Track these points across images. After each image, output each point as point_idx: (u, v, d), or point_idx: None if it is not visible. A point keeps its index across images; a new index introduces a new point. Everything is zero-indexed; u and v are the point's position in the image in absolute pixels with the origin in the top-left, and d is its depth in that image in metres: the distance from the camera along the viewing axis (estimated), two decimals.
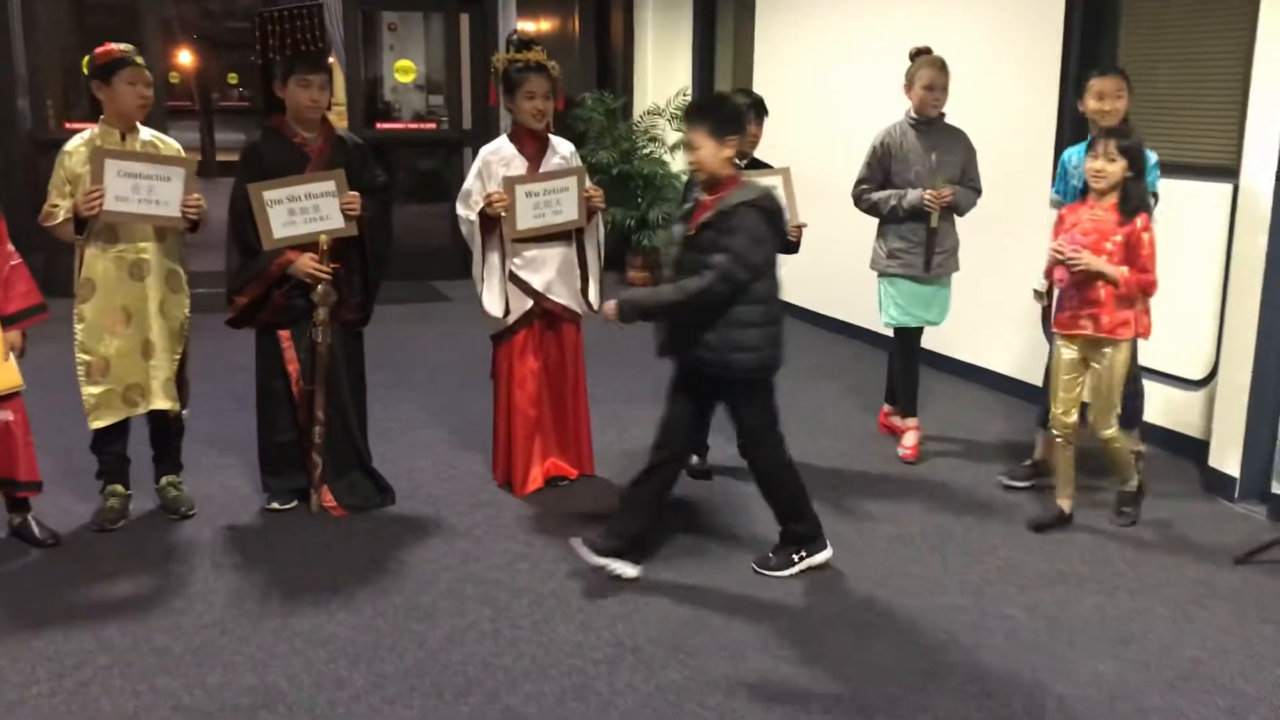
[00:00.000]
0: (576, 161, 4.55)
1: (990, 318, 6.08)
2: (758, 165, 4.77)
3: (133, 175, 3.94)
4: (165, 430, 4.34)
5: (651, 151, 9.55)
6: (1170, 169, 5.18)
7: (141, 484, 4.38)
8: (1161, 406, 5.21)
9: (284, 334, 4.23)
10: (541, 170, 4.43)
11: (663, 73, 9.93)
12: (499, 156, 4.42)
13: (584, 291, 4.55)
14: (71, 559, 3.95)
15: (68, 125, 8.53)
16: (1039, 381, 4.93)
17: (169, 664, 3.24)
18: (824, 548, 3.89)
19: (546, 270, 4.46)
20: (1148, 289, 4.08)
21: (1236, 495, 4.58)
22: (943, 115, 4.99)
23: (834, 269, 6.89)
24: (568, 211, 4.37)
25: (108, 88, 4.00)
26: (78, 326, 4.07)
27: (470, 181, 4.44)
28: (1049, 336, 4.53)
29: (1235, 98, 4.86)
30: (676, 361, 3.77)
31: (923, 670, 3.27)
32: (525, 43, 4.43)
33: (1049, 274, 4.29)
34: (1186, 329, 5.08)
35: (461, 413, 5.66)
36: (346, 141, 4.30)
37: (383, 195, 4.33)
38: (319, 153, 4.17)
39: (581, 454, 4.75)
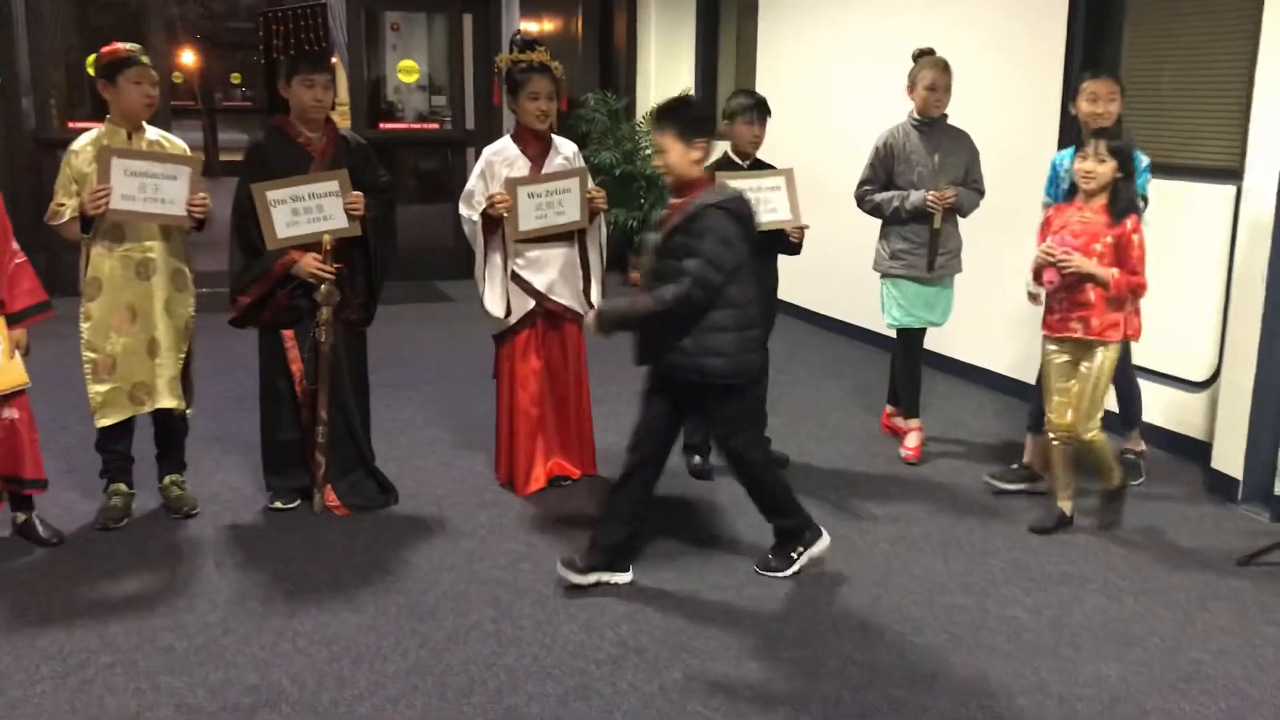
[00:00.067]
0: (579, 162, 4.55)
1: (993, 319, 6.08)
2: (760, 166, 4.78)
3: (139, 174, 3.95)
4: (170, 429, 4.35)
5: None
6: (1174, 171, 5.19)
7: (145, 483, 4.39)
8: (1164, 408, 5.21)
9: (287, 334, 4.23)
10: (544, 170, 4.43)
11: (665, 73, 9.93)
12: (502, 157, 4.42)
13: (586, 292, 4.56)
14: (75, 558, 3.95)
15: (71, 125, 8.55)
16: None
17: (172, 662, 3.24)
18: (819, 535, 3.87)
19: (549, 270, 4.46)
20: (1137, 291, 4.06)
21: (1239, 497, 4.58)
22: (945, 116, 4.99)
23: (837, 270, 6.90)
24: (570, 212, 4.37)
25: (113, 87, 4.01)
26: (84, 325, 4.08)
27: (473, 182, 4.44)
28: None
29: (1239, 100, 4.86)
30: (651, 367, 3.73)
31: (925, 671, 3.27)
32: (528, 43, 4.44)
33: (1037, 275, 4.22)
34: (1189, 330, 5.08)
35: (464, 412, 5.66)
36: (350, 141, 4.30)
37: (386, 195, 4.34)
38: (322, 153, 4.18)
39: (584, 453, 4.75)
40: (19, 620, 3.49)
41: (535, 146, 4.46)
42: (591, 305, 4.55)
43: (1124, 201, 4.03)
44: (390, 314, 5.01)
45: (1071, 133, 5.53)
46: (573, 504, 4.49)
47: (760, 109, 4.70)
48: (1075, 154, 4.13)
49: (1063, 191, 4.47)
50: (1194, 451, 5.00)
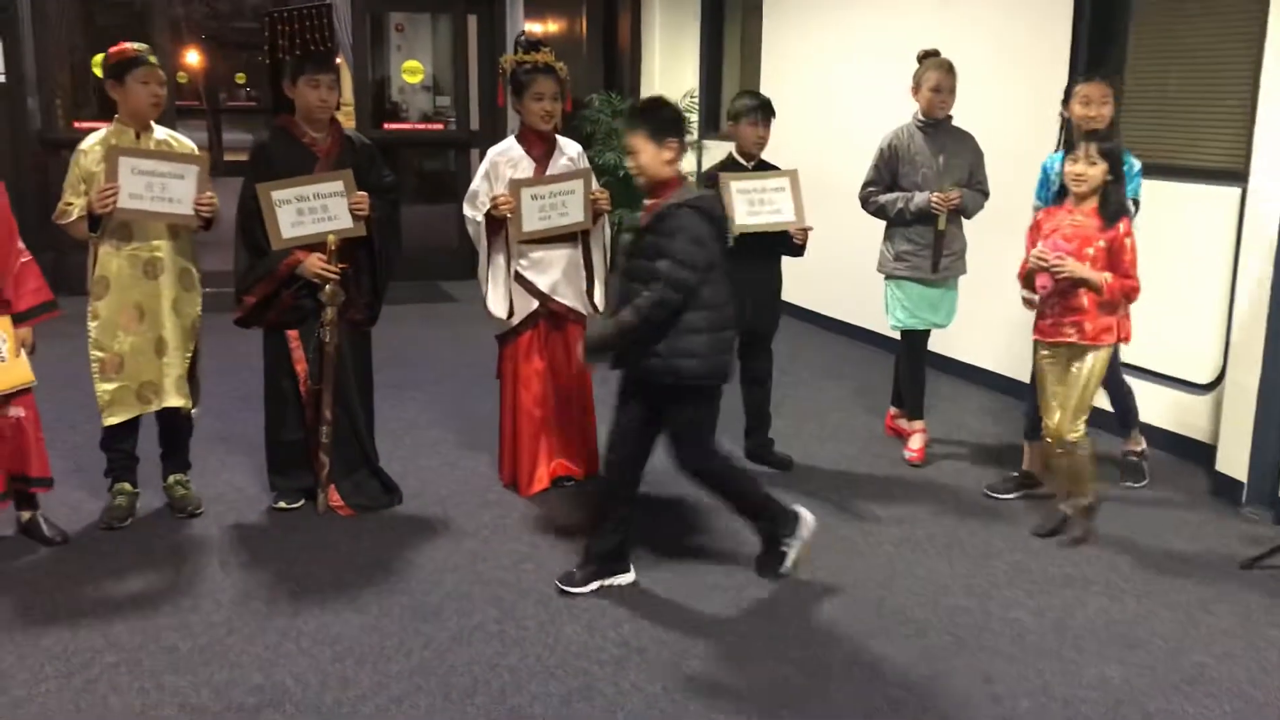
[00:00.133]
0: (584, 163, 4.55)
1: (998, 321, 6.07)
2: (765, 167, 4.79)
3: (146, 173, 3.96)
4: (175, 429, 4.36)
5: None
6: (1179, 173, 5.19)
7: (149, 482, 4.39)
8: (1168, 410, 5.21)
9: (292, 334, 4.24)
10: (549, 171, 4.44)
11: (670, 74, 9.93)
12: (506, 157, 4.43)
13: (589, 293, 4.56)
14: (80, 557, 3.96)
15: (76, 125, 8.57)
16: None
17: (176, 662, 3.25)
18: (799, 520, 3.75)
19: (552, 271, 4.47)
20: (1131, 295, 4.02)
21: (1243, 500, 4.57)
22: (950, 118, 4.99)
23: (840, 271, 6.89)
24: (573, 214, 4.37)
25: (121, 87, 4.03)
26: (91, 324, 4.09)
27: (477, 182, 4.45)
28: None
29: (1244, 102, 4.86)
30: (626, 370, 3.69)
31: (928, 673, 3.27)
32: (533, 44, 4.44)
33: (1026, 280, 4.16)
34: (1193, 333, 5.07)
35: (468, 413, 5.67)
36: (355, 141, 4.31)
37: (391, 195, 4.34)
38: (327, 153, 4.19)
39: (587, 454, 4.75)
40: (23, 619, 3.49)
41: (540, 147, 4.47)
42: (595, 306, 4.56)
43: (1115, 205, 3.99)
44: (395, 314, 5.01)
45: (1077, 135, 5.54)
46: (576, 505, 4.49)
47: (764, 110, 4.71)
48: (1065, 157, 4.09)
49: (1054, 196, 4.42)
50: (1198, 454, 5.00)
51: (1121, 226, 3.98)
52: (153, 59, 4.07)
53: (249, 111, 25.47)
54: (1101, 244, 3.97)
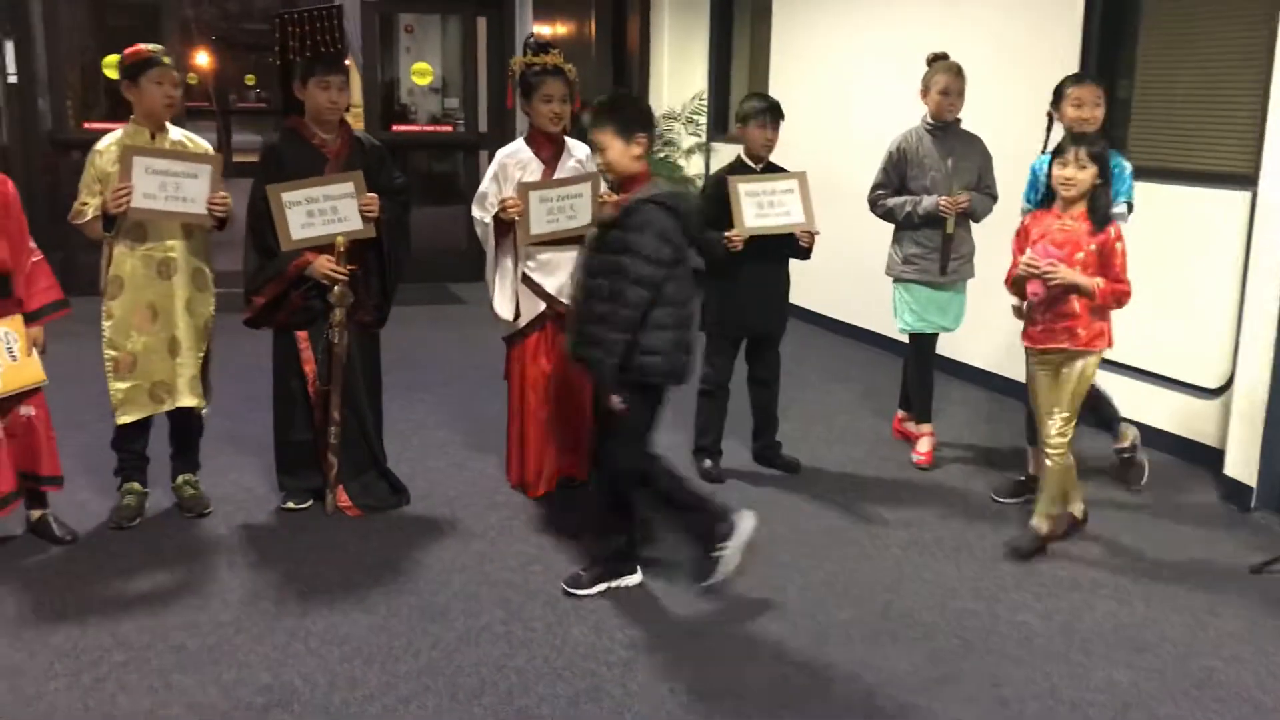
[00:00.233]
0: (592, 165, 4.54)
1: (1006, 324, 6.04)
2: (773, 169, 4.79)
3: (160, 173, 3.98)
4: (187, 429, 4.38)
5: (667, 155, 9.56)
6: (1188, 176, 5.18)
7: (158, 482, 4.41)
8: (1177, 415, 5.20)
9: (301, 335, 4.25)
10: (557, 173, 4.45)
11: (679, 77, 9.95)
12: (515, 159, 4.44)
13: None
14: (89, 556, 3.97)
15: (87, 126, 8.60)
16: None
17: (184, 661, 3.26)
18: (735, 526, 3.59)
19: (560, 273, 4.47)
20: (1122, 299, 3.95)
21: (1252, 504, 4.56)
22: (959, 121, 4.98)
23: (848, 273, 6.89)
24: (581, 217, 4.37)
25: (136, 88, 4.05)
26: (105, 323, 4.11)
27: (486, 184, 4.45)
28: None
29: (1254, 105, 4.84)
30: (583, 365, 3.64)
31: (936, 676, 3.26)
32: (542, 46, 4.45)
33: (1017, 288, 4.10)
34: (1202, 337, 5.06)
35: (476, 414, 5.67)
36: (365, 143, 4.32)
37: (401, 197, 4.35)
38: (337, 154, 4.20)
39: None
40: (33, 617, 3.51)
41: (548, 149, 4.47)
42: None
43: (1103, 208, 3.94)
44: (403, 316, 5.02)
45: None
46: (583, 506, 4.49)
47: (773, 112, 4.71)
48: (1053, 160, 4.01)
49: (1039, 198, 4.35)
50: (1207, 458, 4.99)
51: (1112, 230, 3.92)
52: (167, 60, 4.09)
53: (259, 113, 25.51)
54: (1092, 248, 3.91)
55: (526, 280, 4.46)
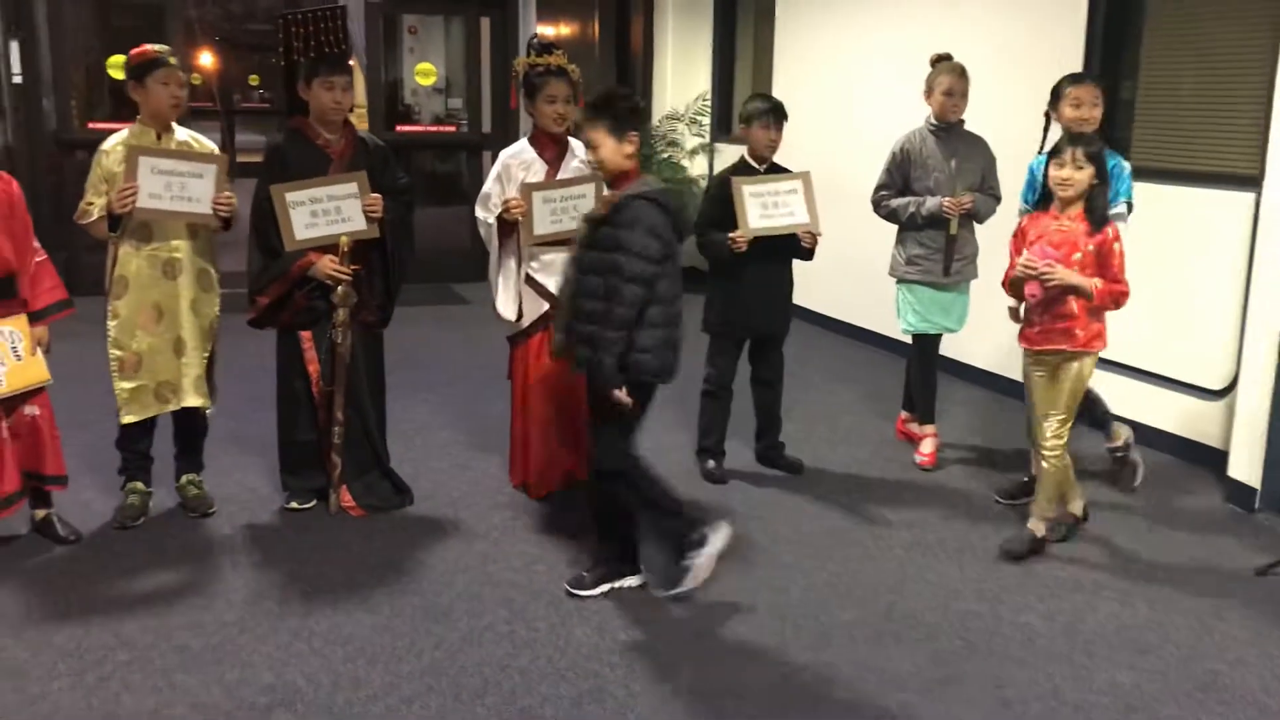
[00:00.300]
0: None
1: (1008, 325, 6.05)
2: (777, 170, 4.79)
3: (165, 172, 3.99)
4: (191, 429, 4.39)
5: (670, 156, 9.56)
6: (1193, 178, 5.18)
7: (162, 481, 4.41)
8: (1181, 416, 5.20)
9: (305, 335, 4.25)
10: (561, 173, 4.45)
11: (682, 77, 9.95)
12: (519, 160, 4.44)
13: None
14: (93, 556, 3.98)
15: (91, 126, 8.62)
16: None
17: (188, 661, 3.26)
18: (710, 534, 3.60)
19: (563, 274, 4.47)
20: (1120, 300, 3.93)
21: (1257, 506, 4.55)
22: (962, 122, 4.98)
23: (853, 274, 6.89)
24: None
25: (142, 88, 4.06)
26: (110, 323, 4.12)
27: (489, 184, 4.46)
28: None
29: (1259, 106, 4.84)
30: (573, 363, 3.62)
31: (939, 677, 3.26)
32: (546, 47, 4.45)
33: (1014, 289, 4.08)
34: (1207, 338, 5.05)
35: (479, 414, 5.68)
36: (368, 143, 4.32)
37: (405, 197, 4.35)
38: (341, 154, 4.20)
39: None
40: (36, 617, 3.51)
41: (552, 149, 4.48)
42: None
43: (1101, 209, 3.92)
44: (407, 316, 5.02)
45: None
46: (586, 507, 4.48)
47: (776, 113, 4.70)
48: (1050, 161, 3.99)
49: (1036, 198, 4.31)
50: (1211, 460, 4.98)
51: (1110, 230, 3.90)
52: (173, 60, 4.10)
53: (262, 113, 25.53)
54: (1090, 249, 3.89)
55: (530, 280, 4.46)
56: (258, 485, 4.65)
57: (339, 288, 4.15)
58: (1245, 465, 4.61)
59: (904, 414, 5.48)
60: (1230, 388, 4.91)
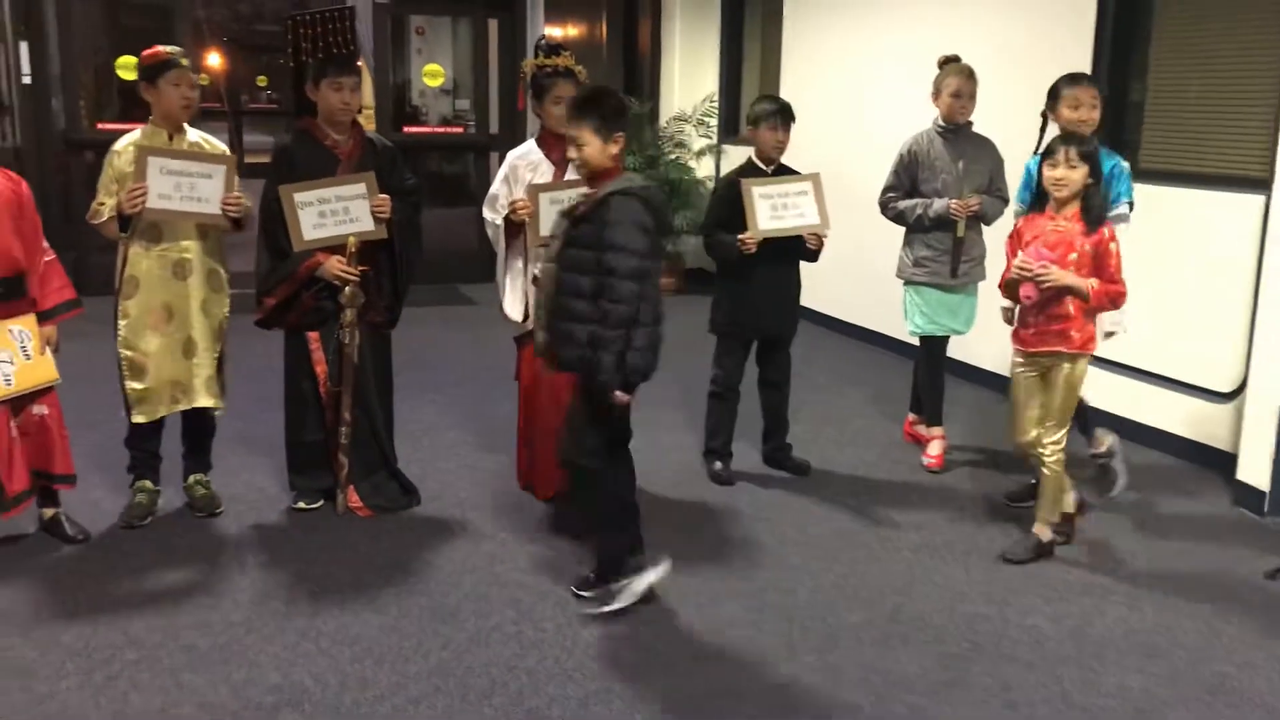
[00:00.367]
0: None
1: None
2: (784, 171, 4.78)
3: (175, 173, 4.00)
4: (200, 429, 4.40)
5: (677, 157, 9.57)
6: (1201, 180, 5.16)
7: (169, 481, 4.42)
8: (1190, 419, 5.18)
9: (312, 335, 4.26)
10: (568, 175, 4.44)
11: (690, 78, 9.94)
12: (526, 161, 4.44)
13: None
14: (101, 555, 3.99)
15: (100, 126, 8.65)
16: None
17: (195, 661, 3.27)
18: (645, 570, 3.61)
19: None
20: (1117, 300, 3.90)
21: (1266, 509, 4.54)
22: (970, 123, 4.98)
23: (860, 276, 6.89)
24: None
25: (154, 89, 4.07)
26: (120, 323, 4.13)
27: (497, 186, 4.46)
28: None
29: (1269, 109, 4.83)
30: (555, 363, 3.58)
31: (946, 680, 3.25)
32: (553, 48, 4.45)
33: (1009, 291, 4.04)
34: (1215, 341, 5.04)
35: (486, 415, 5.68)
36: (376, 144, 4.33)
37: (413, 198, 4.36)
38: (349, 155, 4.21)
39: None
40: (44, 616, 3.52)
41: (559, 150, 4.45)
42: None
43: (1096, 209, 3.89)
44: (414, 316, 5.03)
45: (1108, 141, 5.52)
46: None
47: (784, 114, 4.70)
48: (1043, 161, 3.96)
49: (1032, 199, 4.25)
50: (1220, 463, 4.97)
51: (1105, 231, 3.87)
52: (185, 61, 4.11)
53: (270, 114, 25.59)
54: (1086, 249, 3.86)
55: (537, 282, 4.46)
56: (265, 485, 4.66)
57: (347, 288, 4.16)
58: (1254, 468, 4.60)
59: (911, 416, 5.47)
60: (1239, 390, 4.90)
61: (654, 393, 5.92)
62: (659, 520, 4.27)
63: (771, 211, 4.61)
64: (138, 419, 4.18)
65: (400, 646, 3.37)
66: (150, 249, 4.10)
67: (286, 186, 4.05)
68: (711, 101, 9.68)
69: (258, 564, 3.94)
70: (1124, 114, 5.67)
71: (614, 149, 3.52)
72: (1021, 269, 3.87)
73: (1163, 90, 5.53)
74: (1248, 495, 4.62)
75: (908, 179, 4.98)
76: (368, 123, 8.61)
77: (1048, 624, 3.60)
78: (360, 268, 4.16)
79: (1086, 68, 5.58)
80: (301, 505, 4.40)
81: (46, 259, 3.97)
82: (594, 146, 3.49)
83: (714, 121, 9.67)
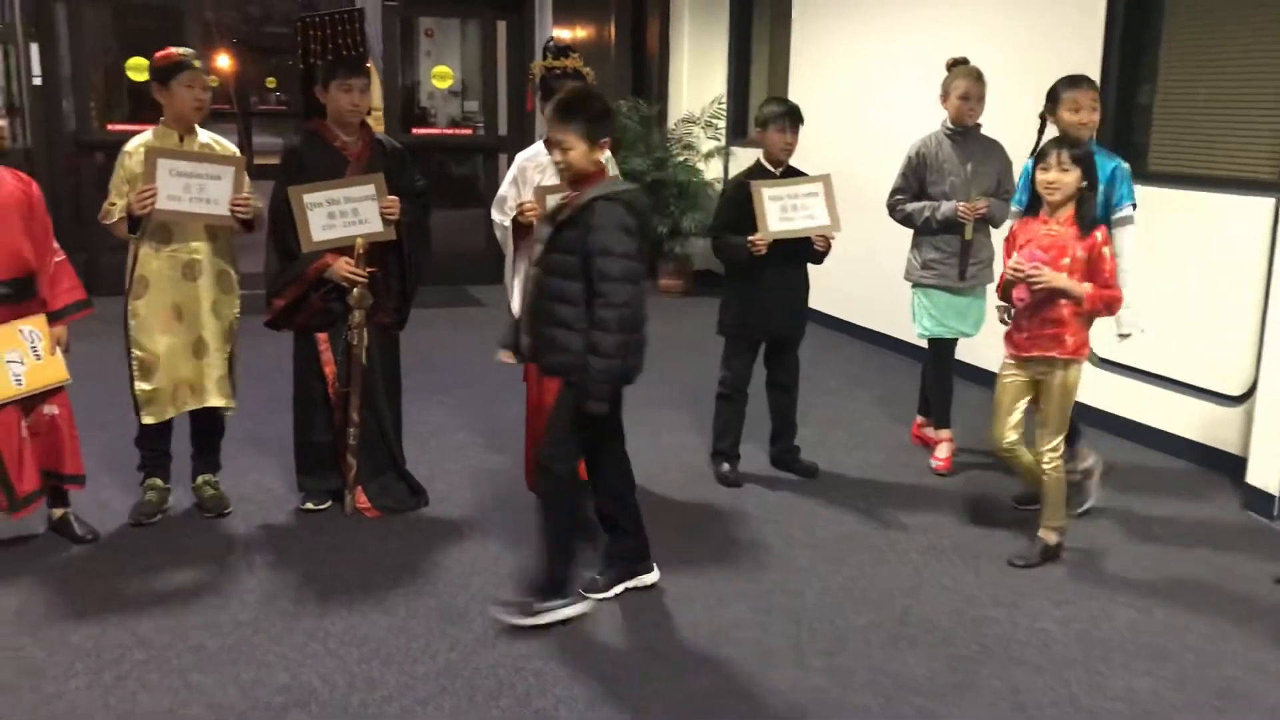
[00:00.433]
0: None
1: None
2: (793, 173, 4.78)
3: (184, 174, 4.02)
4: (210, 429, 4.41)
5: (686, 159, 9.57)
6: (1211, 183, 5.15)
7: (178, 481, 4.43)
8: (1199, 422, 5.17)
9: (321, 336, 4.27)
10: None
11: (698, 80, 9.94)
12: (535, 163, 4.45)
13: None
14: (110, 555, 4.00)
15: (110, 127, 8.68)
16: None
17: (204, 661, 3.27)
18: (583, 598, 3.60)
19: None
20: (1113, 305, 3.88)
21: (1275, 513, 4.52)
22: (979, 126, 4.97)
23: (868, 278, 6.88)
24: None
25: (166, 90, 4.08)
26: (131, 323, 4.15)
27: (505, 187, 4.47)
28: None
29: (1278, 111, 4.81)
30: (540, 368, 3.57)
31: (954, 682, 3.25)
32: (562, 50, 4.47)
33: (1005, 293, 4.02)
34: (1225, 344, 5.03)
35: (495, 416, 5.68)
36: (385, 145, 4.34)
37: (422, 199, 4.36)
38: (358, 156, 4.22)
39: None
40: (53, 616, 3.53)
41: None
42: None
43: (1090, 213, 3.88)
44: (423, 318, 5.04)
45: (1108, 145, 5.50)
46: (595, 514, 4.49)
47: (793, 116, 4.70)
48: (1036, 165, 3.94)
49: (1024, 204, 4.25)
50: (1229, 466, 4.95)
51: (1099, 235, 3.85)
52: (197, 63, 4.13)
53: (279, 115, 25.64)
54: (1080, 253, 3.84)
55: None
56: (274, 486, 4.67)
57: (355, 289, 4.17)
58: (1264, 472, 4.58)
59: (919, 418, 5.46)
60: (1249, 393, 4.88)
61: (661, 394, 5.95)
62: (665, 521, 4.27)
63: (781, 213, 4.61)
64: (146, 420, 4.19)
65: (408, 647, 3.38)
66: (160, 250, 4.12)
67: (295, 188, 4.06)
68: (720, 103, 9.69)
69: (266, 565, 3.95)
70: (1133, 116, 5.66)
71: (599, 154, 3.50)
72: (1014, 271, 3.87)
73: (1172, 93, 5.52)
74: (1257, 499, 4.60)
75: (916, 181, 4.98)
76: (377, 124, 8.63)
77: (1056, 627, 3.59)
78: (369, 269, 4.17)
79: (1095, 71, 5.57)
80: (310, 506, 4.41)
81: (57, 260, 3.99)
82: (579, 150, 3.46)
83: (722, 123, 9.67)
